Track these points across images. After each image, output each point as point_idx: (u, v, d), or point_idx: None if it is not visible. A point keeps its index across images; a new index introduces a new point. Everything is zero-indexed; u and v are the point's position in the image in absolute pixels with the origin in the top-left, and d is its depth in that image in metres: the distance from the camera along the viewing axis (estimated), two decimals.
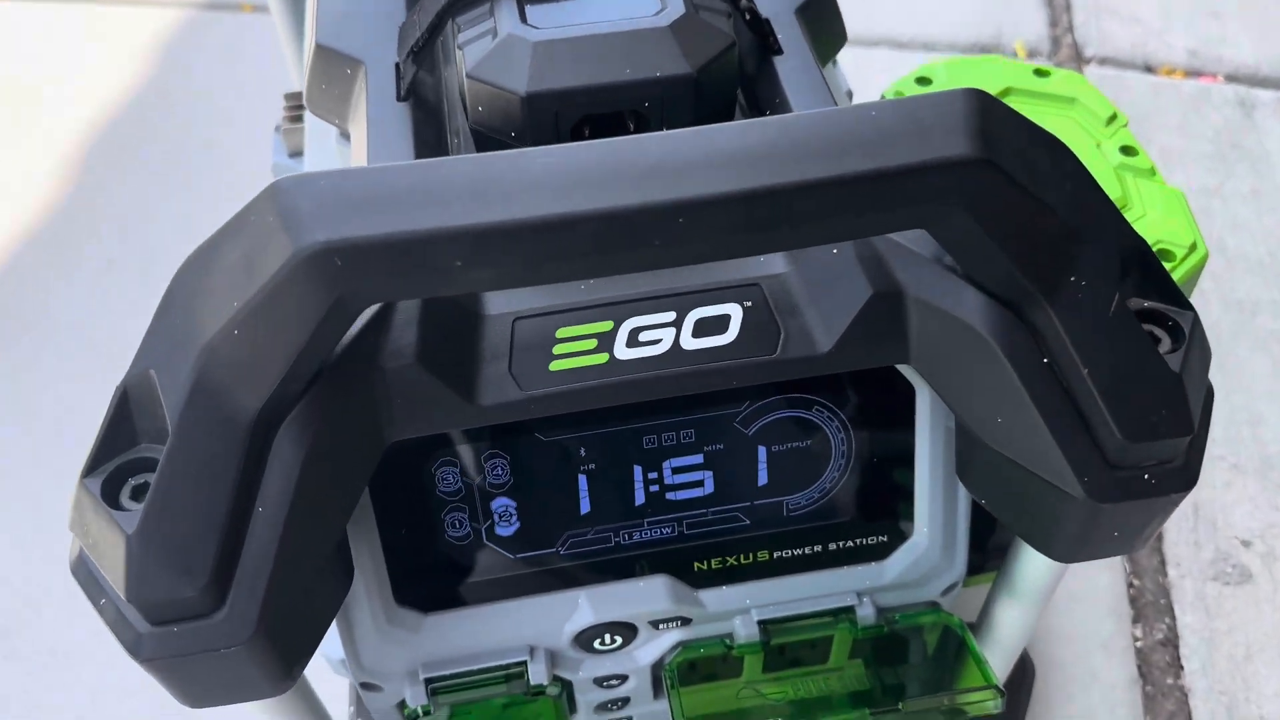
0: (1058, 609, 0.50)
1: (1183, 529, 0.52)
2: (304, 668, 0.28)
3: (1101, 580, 0.51)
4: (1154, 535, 0.30)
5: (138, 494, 0.25)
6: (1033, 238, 0.24)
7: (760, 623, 0.34)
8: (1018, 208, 0.23)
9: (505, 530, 0.32)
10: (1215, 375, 0.57)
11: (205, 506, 0.24)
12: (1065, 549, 0.29)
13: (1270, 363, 0.58)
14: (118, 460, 0.25)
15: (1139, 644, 0.49)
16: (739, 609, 0.34)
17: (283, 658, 0.26)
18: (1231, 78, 0.75)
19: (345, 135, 0.36)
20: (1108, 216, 0.25)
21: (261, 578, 0.25)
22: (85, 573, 0.26)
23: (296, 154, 0.46)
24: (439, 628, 0.33)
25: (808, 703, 0.34)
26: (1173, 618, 0.50)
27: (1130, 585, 0.51)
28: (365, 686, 0.34)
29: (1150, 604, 0.50)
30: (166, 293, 0.24)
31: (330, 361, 0.25)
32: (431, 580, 0.32)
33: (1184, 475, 0.27)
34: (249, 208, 0.23)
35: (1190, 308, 0.27)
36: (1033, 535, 0.29)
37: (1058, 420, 0.26)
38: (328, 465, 0.25)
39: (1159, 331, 0.26)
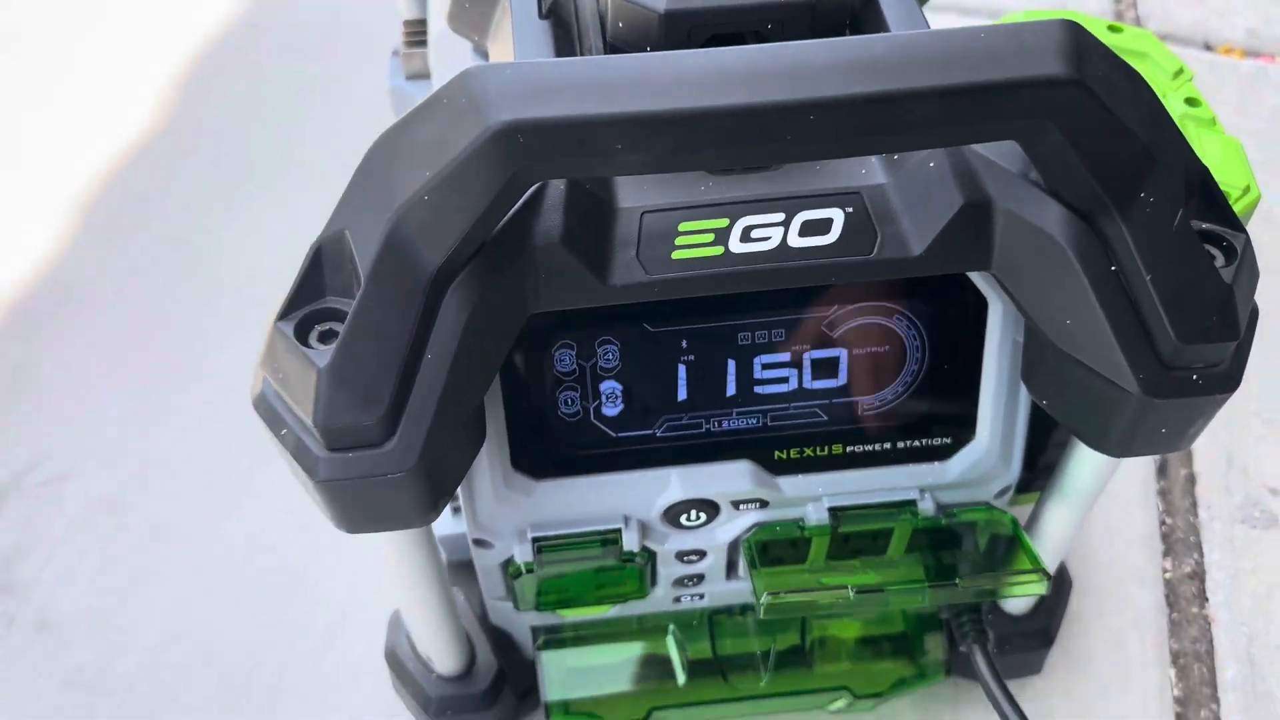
0: (1095, 541, 0.53)
1: (1215, 475, 0.56)
2: (443, 508, 0.32)
3: (1136, 517, 0.54)
4: (1197, 436, 0.33)
5: (324, 338, 0.29)
6: (1112, 155, 0.27)
7: (831, 509, 0.38)
8: (1102, 127, 0.27)
9: (610, 410, 0.36)
10: (1257, 340, 0.60)
11: (386, 348, 0.28)
12: (1117, 444, 0.32)
13: None
14: (307, 309, 0.29)
15: (1168, 575, 0.53)
16: (812, 496, 0.38)
17: (431, 491, 0.30)
18: None
19: (481, 52, 0.40)
20: (1177, 143, 0.29)
21: (426, 417, 0.29)
22: (267, 407, 0.30)
23: (414, 77, 0.50)
24: (547, 493, 0.37)
25: (869, 585, 0.37)
26: (1201, 554, 0.53)
27: (1163, 523, 0.54)
28: (478, 543, 0.38)
29: (1180, 541, 0.54)
30: (361, 166, 0.28)
31: (491, 236, 0.29)
32: (544, 450, 0.37)
33: (1228, 378, 0.30)
34: (441, 92, 0.27)
35: (1244, 230, 0.30)
36: (1088, 433, 0.33)
37: (1120, 322, 0.29)
38: (483, 327, 0.29)
39: (1214, 250, 0.30)
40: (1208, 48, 0.79)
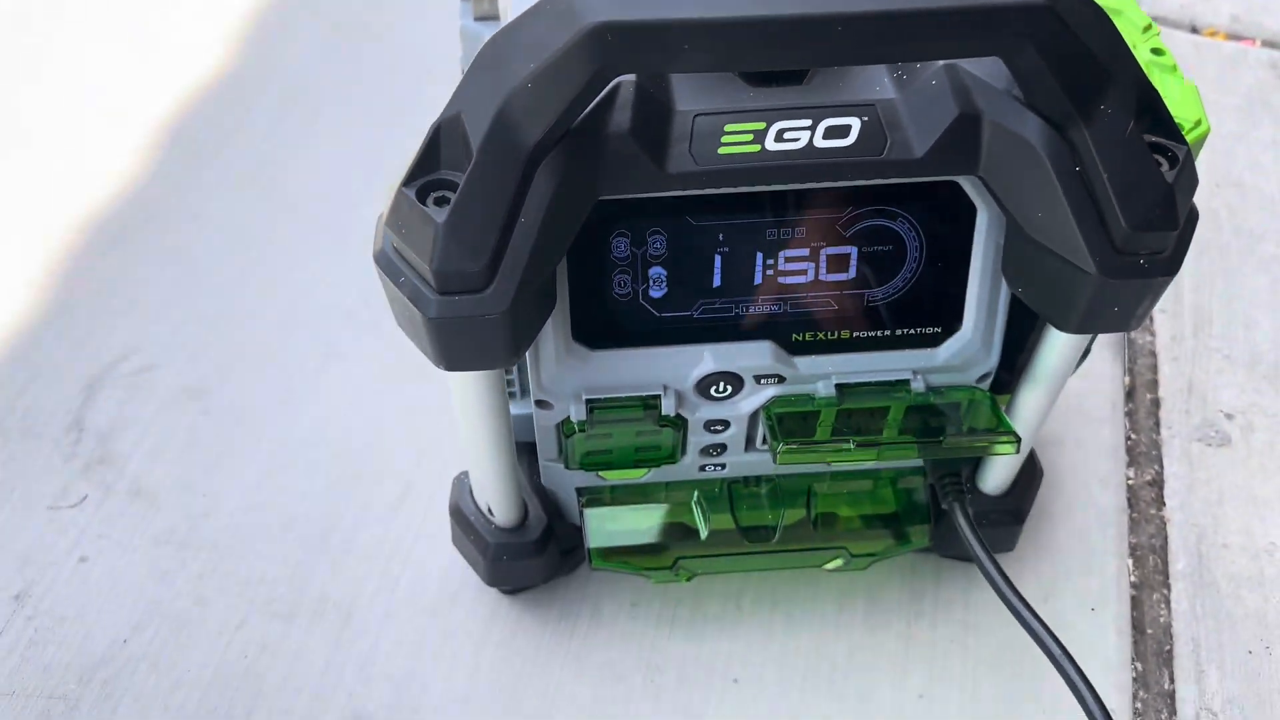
0: (1067, 451, 0.60)
1: (1177, 400, 0.63)
2: (523, 353, 0.39)
3: (1104, 433, 0.61)
4: (1144, 317, 0.39)
5: (438, 202, 0.36)
6: (1078, 73, 0.34)
7: (837, 385, 0.45)
8: (1070, 48, 0.34)
9: (656, 293, 0.43)
10: (1221, 285, 0.68)
11: (491, 210, 0.35)
12: (1078, 323, 0.39)
13: (1269, 281, 0.68)
14: (425, 178, 0.36)
15: (1130, 482, 0.59)
16: (822, 375, 0.45)
17: (515, 336, 0.37)
18: (1268, 43, 0.84)
19: None
20: (1132, 68, 0.36)
21: (517, 270, 0.36)
22: (387, 260, 0.37)
23: (483, 18, 0.57)
24: (600, 362, 0.44)
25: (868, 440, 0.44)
26: (1161, 466, 0.60)
27: (1128, 439, 0.61)
28: (540, 404, 0.45)
29: (1143, 454, 0.61)
30: (475, 61, 0.35)
31: (575, 126, 0.36)
32: (599, 325, 0.43)
33: (1170, 264, 0.37)
34: (544, 1, 0.33)
35: (1185, 143, 0.37)
36: (1054, 314, 0.40)
37: (1082, 212, 0.36)
38: (564, 201, 0.36)
39: (1160, 158, 0.37)
40: (1194, 30, 0.86)
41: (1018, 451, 0.44)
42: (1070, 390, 0.63)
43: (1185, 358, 0.65)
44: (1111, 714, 0.41)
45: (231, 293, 0.69)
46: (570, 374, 0.44)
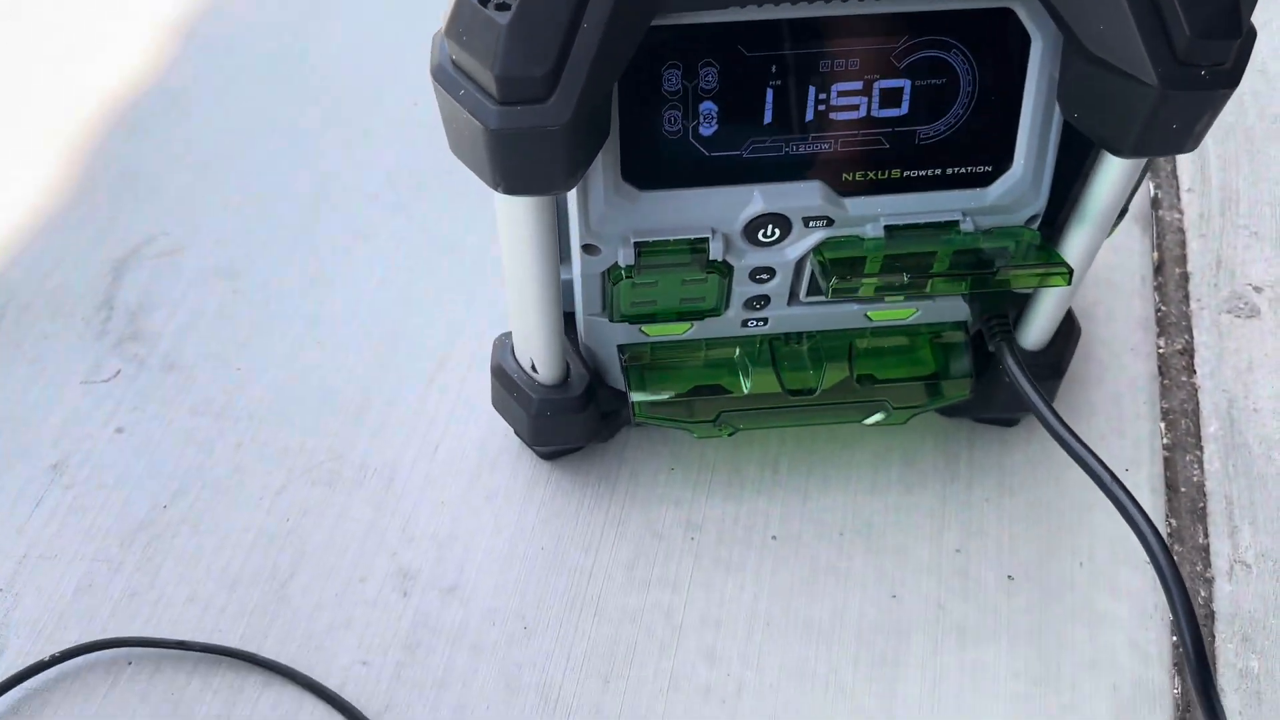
0: (1099, 323, 0.60)
1: (1206, 274, 0.63)
2: (579, 177, 0.39)
3: (1135, 305, 0.61)
4: (1202, 136, 0.39)
5: (500, 8, 0.35)
6: None
7: (886, 228, 0.45)
8: None
9: (706, 130, 0.43)
10: (1247, 167, 0.67)
11: (554, 13, 0.34)
12: (1134, 146, 0.39)
13: None
14: None
15: (1161, 351, 0.60)
16: (871, 216, 0.45)
17: (574, 157, 0.37)
18: None
19: None
20: None
21: (579, 79, 0.35)
22: (445, 75, 0.37)
23: None
24: (649, 202, 0.44)
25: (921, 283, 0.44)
26: (1191, 336, 0.61)
27: (1158, 310, 0.62)
28: (587, 249, 0.45)
29: (1174, 324, 0.61)
30: None
31: None
32: (649, 163, 0.43)
33: (1231, 75, 0.37)
34: None
35: None
36: (1109, 137, 0.40)
37: (1144, 21, 0.36)
38: (624, 11, 0.36)
39: None
40: None
41: (1069, 283, 0.44)
42: (1101, 264, 0.63)
43: (1213, 235, 0.65)
44: (1161, 534, 0.42)
45: (256, 179, 0.68)
46: (619, 214, 0.44)
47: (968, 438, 0.56)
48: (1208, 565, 0.52)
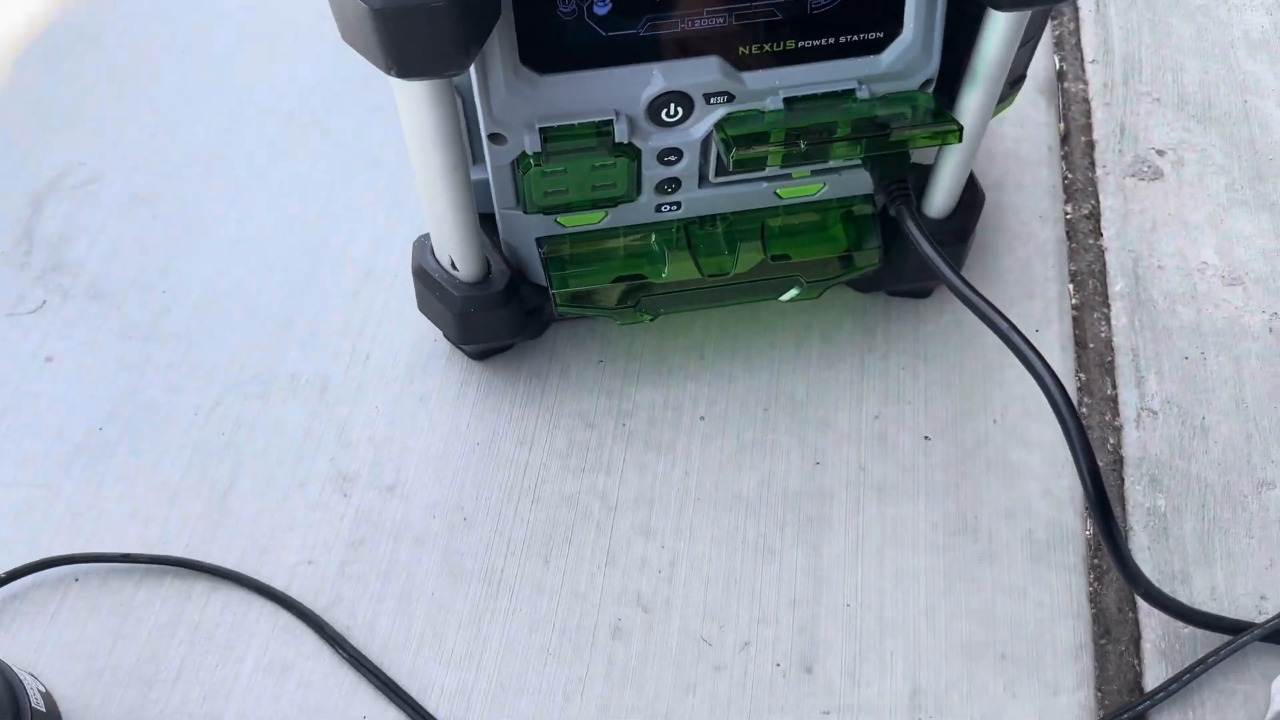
0: (1008, 191, 0.62)
1: (1110, 141, 0.65)
2: (473, 56, 0.39)
3: (1042, 174, 0.63)
4: None
5: None
6: None
7: (785, 100, 0.46)
8: None
9: (601, 9, 0.43)
10: (1149, 37, 0.69)
11: None
12: None
13: (1195, 29, 0.70)
14: None
15: (1068, 216, 0.62)
16: (770, 89, 0.46)
17: (463, 33, 0.38)
18: None
19: None
20: None
21: None
22: None
23: None
24: (550, 87, 0.44)
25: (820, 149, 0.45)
26: (1097, 200, 0.62)
27: (1065, 178, 0.63)
28: (493, 139, 0.46)
29: (1080, 190, 0.63)
30: None
31: None
32: (546, 45, 0.44)
33: None
34: None
35: None
36: None
37: None
38: None
39: None
40: None
41: (960, 140, 0.45)
42: (1009, 137, 0.65)
43: (1117, 103, 0.66)
44: (1062, 381, 0.44)
45: (169, 104, 0.67)
46: (521, 101, 0.44)
47: (884, 311, 0.58)
48: (1116, 415, 0.55)
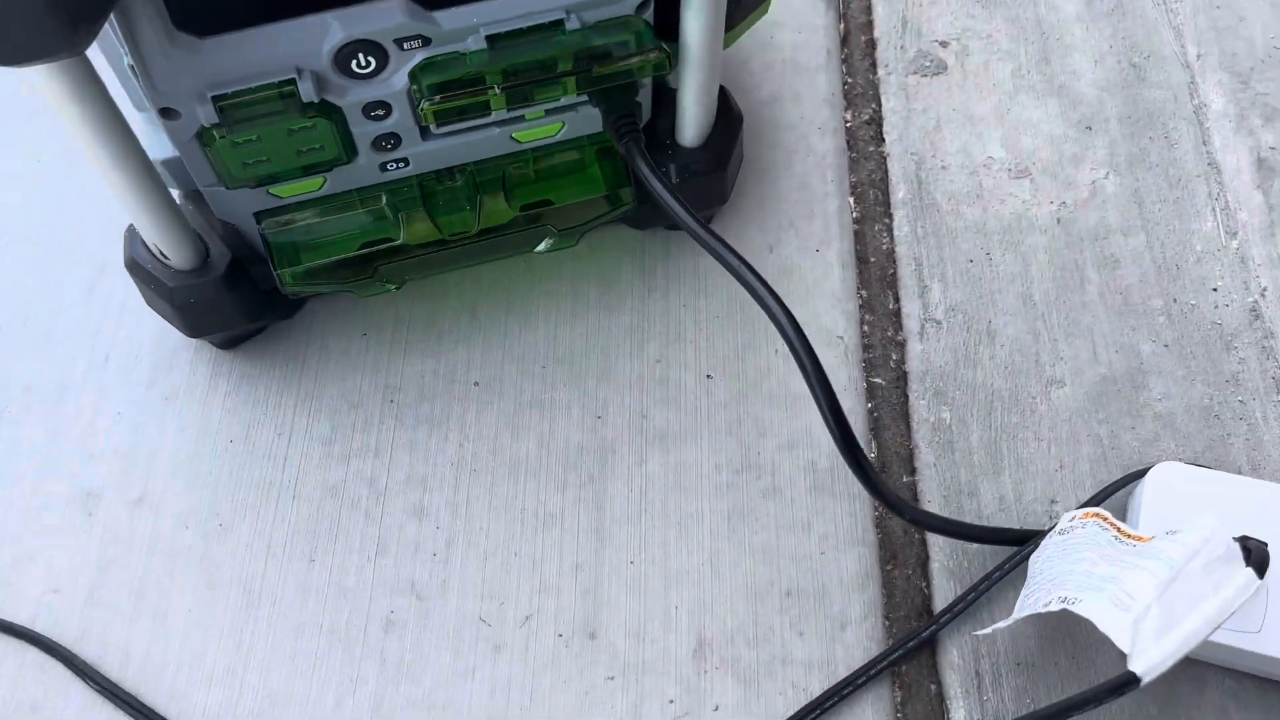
0: (783, 106, 0.59)
1: (892, 37, 0.62)
2: (86, 35, 0.34)
3: (821, 81, 0.60)
4: None
5: None
6: None
7: (488, 38, 0.42)
8: None
9: None
10: None
11: None
12: None
13: None
14: None
15: (849, 124, 0.59)
16: (469, 28, 0.42)
17: (64, 8, 0.33)
18: None
19: None
20: None
21: None
22: None
23: None
24: (214, 50, 0.40)
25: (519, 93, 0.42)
26: (878, 104, 0.60)
27: (845, 83, 0.60)
28: (165, 114, 0.41)
29: (860, 95, 0.60)
30: None
31: None
32: (200, 5, 0.39)
33: None
34: None
35: None
36: None
37: None
38: None
39: None
40: None
41: (671, 68, 0.42)
42: (786, 45, 0.61)
43: None
44: (798, 321, 0.41)
45: None
46: (184, 69, 0.40)
47: (663, 248, 0.55)
48: (899, 329, 0.53)
